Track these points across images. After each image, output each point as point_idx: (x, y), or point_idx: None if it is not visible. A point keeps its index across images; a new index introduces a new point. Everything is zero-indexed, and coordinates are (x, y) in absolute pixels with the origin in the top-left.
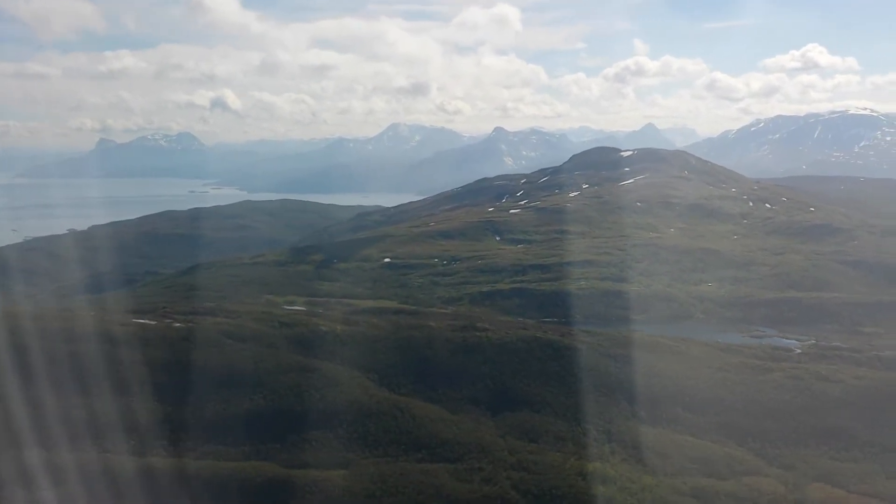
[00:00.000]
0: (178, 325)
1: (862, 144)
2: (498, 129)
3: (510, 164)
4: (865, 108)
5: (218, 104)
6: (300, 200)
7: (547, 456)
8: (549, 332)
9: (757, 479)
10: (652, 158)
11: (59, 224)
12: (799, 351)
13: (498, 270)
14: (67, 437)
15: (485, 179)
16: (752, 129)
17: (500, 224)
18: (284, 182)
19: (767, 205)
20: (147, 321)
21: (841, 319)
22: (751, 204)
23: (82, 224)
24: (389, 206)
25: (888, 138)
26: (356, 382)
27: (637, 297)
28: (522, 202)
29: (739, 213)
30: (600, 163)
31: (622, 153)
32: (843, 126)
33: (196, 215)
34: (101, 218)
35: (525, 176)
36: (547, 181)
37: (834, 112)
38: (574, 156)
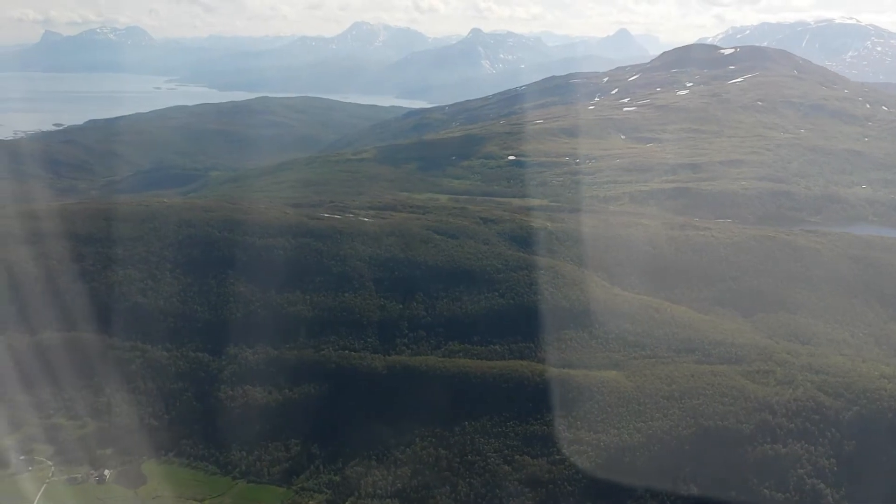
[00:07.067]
0: (366, 219)
1: (851, 54)
2: (475, 31)
3: (487, 68)
4: (850, 18)
5: None
6: (318, 98)
7: (831, 359)
8: (776, 232)
9: None
10: (758, 57)
11: (38, 119)
12: None
13: (644, 170)
14: (310, 335)
15: (554, 77)
16: (738, 35)
17: (620, 122)
18: (253, 81)
19: (884, 107)
20: (331, 214)
21: None
22: (868, 106)
23: (66, 119)
24: (381, 105)
25: (878, 48)
26: (590, 281)
27: (805, 198)
28: (625, 100)
29: (862, 115)
30: (700, 60)
31: (722, 51)
32: (830, 35)
33: (219, 110)
34: (82, 113)
35: (606, 74)
36: (639, 78)
37: (821, 21)
38: (664, 53)
